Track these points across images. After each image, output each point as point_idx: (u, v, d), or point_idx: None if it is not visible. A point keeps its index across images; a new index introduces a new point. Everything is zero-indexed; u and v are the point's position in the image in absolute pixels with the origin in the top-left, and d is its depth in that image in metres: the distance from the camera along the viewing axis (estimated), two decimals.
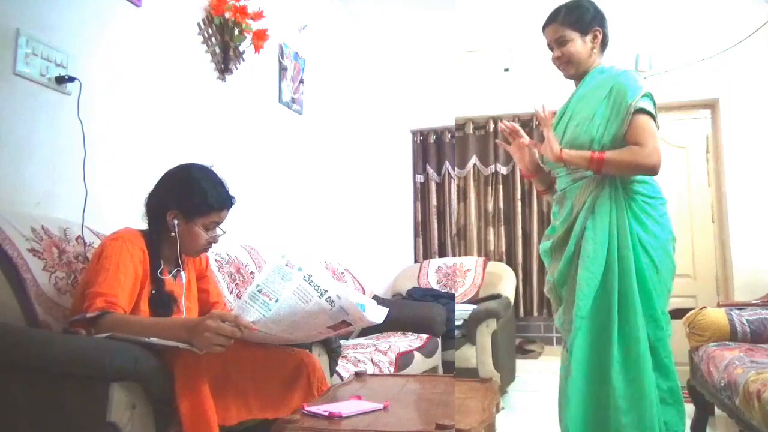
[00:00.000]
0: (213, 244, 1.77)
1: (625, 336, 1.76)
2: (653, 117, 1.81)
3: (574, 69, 1.94)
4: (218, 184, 1.74)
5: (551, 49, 1.96)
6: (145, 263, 1.64)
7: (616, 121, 1.81)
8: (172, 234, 1.69)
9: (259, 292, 1.41)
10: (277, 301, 1.40)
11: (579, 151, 1.82)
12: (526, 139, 2.00)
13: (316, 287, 1.40)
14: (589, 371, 1.78)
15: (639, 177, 1.84)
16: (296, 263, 1.39)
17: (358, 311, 1.46)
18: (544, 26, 1.95)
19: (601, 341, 1.78)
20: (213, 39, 2.89)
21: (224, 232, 1.78)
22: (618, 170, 1.81)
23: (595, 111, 1.85)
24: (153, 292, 1.64)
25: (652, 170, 1.77)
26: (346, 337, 3.40)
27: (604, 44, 1.95)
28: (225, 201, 1.74)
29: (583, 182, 1.86)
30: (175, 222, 1.69)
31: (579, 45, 1.90)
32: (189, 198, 1.69)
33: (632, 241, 1.78)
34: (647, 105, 1.79)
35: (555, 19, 1.92)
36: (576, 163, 1.83)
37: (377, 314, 1.54)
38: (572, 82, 2.03)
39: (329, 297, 1.40)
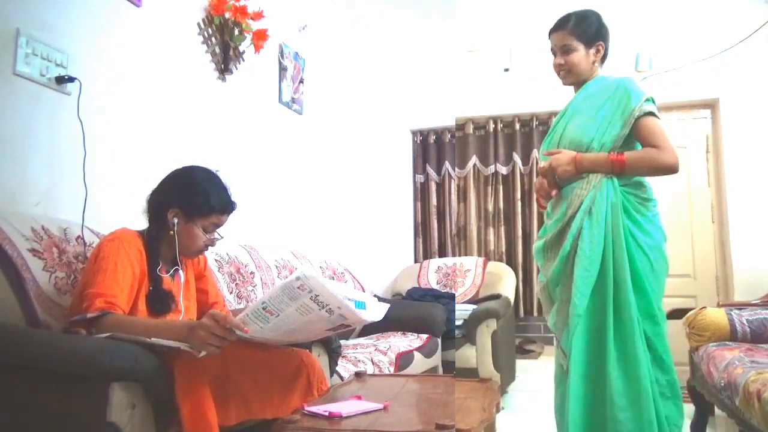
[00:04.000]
0: (210, 248, 1.78)
1: (621, 333, 1.78)
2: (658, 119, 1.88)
3: (573, 78, 1.98)
4: (221, 188, 1.75)
5: (554, 54, 1.99)
6: (143, 262, 1.64)
7: (618, 123, 1.85)
8: (171, 232, 1.69)
9: (264, 309, 1.40)
10: (278, 316, 1.40)
11: (593, 156, 1.86)
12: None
13: (320, 303, 1.38)
14: (587, 369, 1.80)
15: (634, 179, 1.89)
16: (308, 287, 1.35)
17: (358, 316, 1.45)
18: (552, 31, 1.99)
19: (597, 339, 1.81)
20: (213, 39, 2.89)
21: (222, 237, 1.79)
22: (640, 171, 1.86)
23: (597, 111, 1.89)
24: (150, 289, 1.64)
25: (673, 169, 1.84)
26: (346, 337, 3.40)
27: (604, 58, 2.01)
28: (226, 205, 1.74)
29: (579, 183, 1.88)
30: (175, 221, 1.69)
31: (582, 56, 1.94)
32: (191, 198, 1.70)
33: (627, 241, 1.81)
34: (653, 108, 1.86)
35: (564, 26, 1.95)
36: (594, 169, 1.86)
37: (376, 313, 1.54)
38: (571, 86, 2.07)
39: (330, 309, 1.40)
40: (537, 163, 4.62)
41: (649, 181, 1.93)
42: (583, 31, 1.94)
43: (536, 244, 2.02)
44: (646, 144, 1.85)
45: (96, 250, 1.61)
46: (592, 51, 1.96)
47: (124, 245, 1.60)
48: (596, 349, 1.80)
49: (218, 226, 1.75)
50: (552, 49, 2.00)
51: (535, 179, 4.59)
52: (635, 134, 1.86)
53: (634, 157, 1.84)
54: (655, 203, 1.92)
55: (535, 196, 2.12)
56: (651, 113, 1.85)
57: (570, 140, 1.91)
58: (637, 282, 1.80)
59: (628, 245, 1.81)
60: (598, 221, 1.82)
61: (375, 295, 4.05)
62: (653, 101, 1.87)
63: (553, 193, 1.92)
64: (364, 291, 3.87)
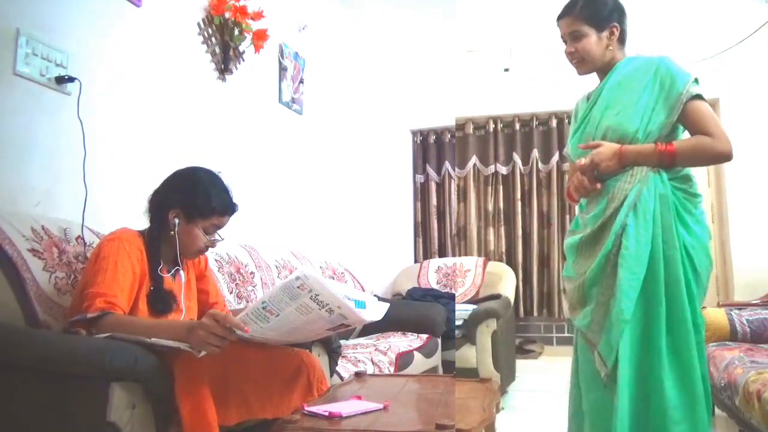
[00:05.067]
0: (210, 249, 1.78)
1: (675, 340, 1.65)
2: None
3: (588, 67, 1.83)
4: (223, 190, 1.75)
5: (565, 42, 1.85)
6: (143, 262, 1.64)
7: (664, 109, 1.70)
8: (172, 233, 1.70)
9: (264, 308, 1.40)
10: (278, 315, 1.40)
11: (638, 147, 1.69)
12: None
13: (320, 303, 1.38)
14: (634, 378, 1.66)
15: (682, 173, 1.74)
16: (308, 286, 1.35)
17: (358, 316, 1.45)
18: (559, 18, 1.84)
19: (643, 346, 1.67)
20: (213, 39, 2.89)
21: (222, 239, 1.79)
22: (692, 162, 1.71)
23: (638, 97, 1.72)
24: (151, 288, 1.64)
25: (728, 157, 1.68)
26: (346, 337, 3.40)
27: (622, 40, 1.86)
28: (228, 206, 1.75)
29: (623, 175, 1.72)
30: (176, 221, 1.69)
31: (594, 41, 1.78)
32: (193, 199, 1.70)
33: (679, 242, 1.67)
34: (700, 90, 1.71)
35: (571, 11, 1.79)
36: (641, 162, 1.69)
37: (376, 312, 1.54)
38: (579, 78, 1.93)
39: (330, 308, 1.40)
40: (537, 162, 4.62)
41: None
42: (592, 14, 1.77)
43: (569, 239, 1.85)
44: (696, 131, 1.68)
45: (96, 249, 1.61)
46: (605, 35, 1.79)
47: (125, 245, 1.60)
48: (642, 355, 1.66)
49: (219, 227, 1.76)
50: (562, 37, 1.83)
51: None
52: (682, 120, 1.69)
53: (685, 146, 1.67)
54: (701, 199, 1.75)
55: (565, 190, 1.91)
56: (699, 96, 1.68)
57: (612, 131, 1.73)
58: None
59: (679, 247, 1.66)
60: (645, 218, 1.66)
61: (375, 295, 4.05)
62: (698, 82, 1.70)
63: (598, 186, 1.74)
64: (364, 291, 3.87)
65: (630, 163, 1.69)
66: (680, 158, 1.67)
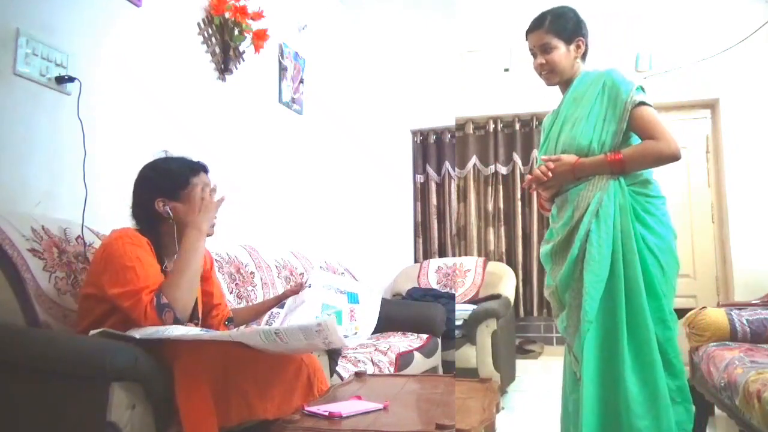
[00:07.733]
0: (221, 203, 1.76)
1: (636, 339, 1.73)
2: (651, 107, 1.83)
3: (557, 77, 1.94)
4: (180, 159, 1.80)
5: (534, 55, 1.95)
6: (154, 256, 1.65)
7: (614, 119, 1.81)
8: (170, 221, 1.70)
9: (276, 334, 1.44)
10: (287, 343, 1.46)
11: (590, 159, 1.82)
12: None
13: (326, 344, 1.48)
14: (599, 375, 1.75)
15: (641, 178, 1.84)
16: (325, 334, 1.42)
17: (343, 343, 1.58)
18: (529, 31, 1.94)
19: (609, 345, 1.76)
20: (213, 39, 2.89)
21: (223, 198, 1.77)
22: (641, 166, 1.82)
23: (589, 110, 1.84)
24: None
25: (674, 158, 1.78)
26: None
27: (585, 53, 1.96)
28: (195, 165, 1.78)
29: (585, 184, 1.83)
30: (167, 208, 1.70)
31: (563, 54, 1.90)
32: (164, 179, 1.73)
33: (638, 244, 1.76)
34: (644, 97, 1.81)
35: (541, 25, 1.91)
36: (596, 172, 1.81)
37: (361, 334, 1.73)
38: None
39: (329, 342, 1.48)
40: (537, 162, 4.62)
41: (655, 177, 1.89)
42: (561, 28, 1.89)
43: (543, 248, 1.97)
44: (643, 136, 1.80)
45: (103, 252, 1.59)
46: (573, 47, 1.91)
47: (134, 240, 1.60)
48: (608, 354, 1.75)
49: (207, 185, 1.76)
50: (531, 50, 1.95)
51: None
52: (631, 127, 1.81)
53: (631, 153, 1.79)
54: (663, 201, 1.87)
55: (536, 199, 2.07)
56: (643, 102, 1.79)
57: (568, 146, 1.86)
58: (648, 286, 1.75)
59: (639, 249, 1.76)
60: (606, 224, 1.77)
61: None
62: (643, 89, 1.82)
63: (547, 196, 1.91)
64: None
65: (584, 175, 1.83)
66: (628, 164, 1.80)
